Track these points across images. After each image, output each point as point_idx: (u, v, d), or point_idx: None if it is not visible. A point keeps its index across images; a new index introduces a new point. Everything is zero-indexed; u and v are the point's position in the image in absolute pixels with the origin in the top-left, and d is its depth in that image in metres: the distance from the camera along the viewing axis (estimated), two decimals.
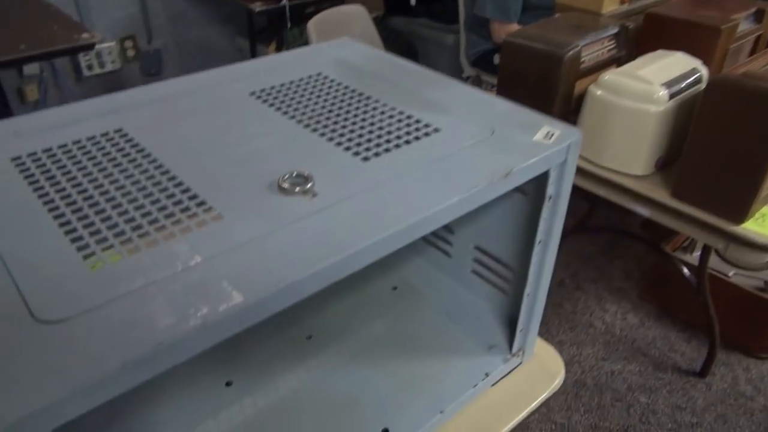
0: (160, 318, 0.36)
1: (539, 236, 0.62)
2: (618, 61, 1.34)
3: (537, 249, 0.64)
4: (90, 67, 2.42)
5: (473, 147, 0.55)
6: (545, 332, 1.77)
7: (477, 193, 0.50)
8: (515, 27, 2.00)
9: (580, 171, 1.22)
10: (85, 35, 1.71)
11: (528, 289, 0.67)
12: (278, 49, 2.43)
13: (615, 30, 1.32)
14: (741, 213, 1.02)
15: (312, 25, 1.86)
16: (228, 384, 0.67)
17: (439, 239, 0.81)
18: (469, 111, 0.62)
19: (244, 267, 0.40)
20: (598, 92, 1.16)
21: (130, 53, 2.52)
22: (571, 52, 1.19)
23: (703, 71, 1.20)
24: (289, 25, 2.13)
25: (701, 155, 1.04)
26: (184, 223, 0.44)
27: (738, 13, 1.34)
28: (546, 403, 1.56)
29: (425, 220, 0.47)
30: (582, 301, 1.90)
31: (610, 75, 1.15)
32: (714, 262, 1.69)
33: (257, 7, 2.08)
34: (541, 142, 0.56)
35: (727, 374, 1.65)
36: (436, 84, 0.69)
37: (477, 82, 2.36)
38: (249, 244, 0.42)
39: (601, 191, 1.21)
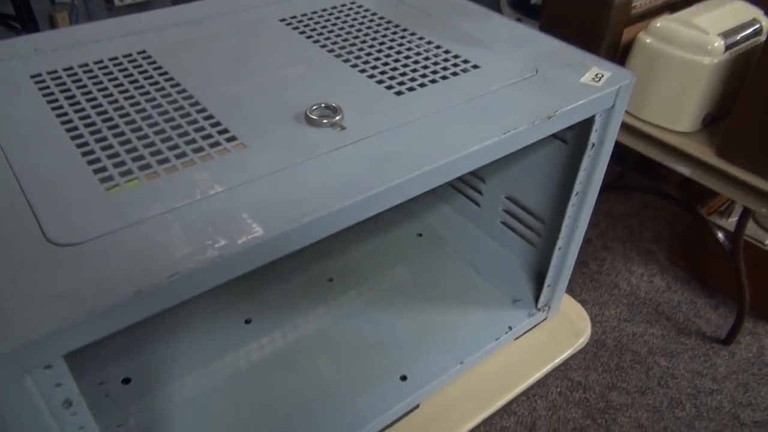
0: (177, 247, 0.34)
1: (577, 188, 0.59)
2: (672, 7, 1.25)
3: (573, 201, 0.60)
4: None
5: (514, 86, 0.51)
6: (568, 290, 1.74)
7: (516, 135, 0.46)
8: None
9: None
10: None
11: (560, 243, 0.64)
12: None
13: None
14: None
15: None
16: (247, 321, 0.66)
17: (468, 187, 0.78)
18: (511, 47, 0.58)
19: (266, 200, 0.38)
20: (648, 40, 1.09)
21: None
22: None
23: (765, 22, 1.11)
24: None
25: (753, 113, 0.97)
26: (206, 150, 0.42)
27: None
28: (565, 362, 1.55)
29: (459, 161, 0.44)
30: (608, 261, 1.86)
31: (663, 22, 1.08)
32: (750, 228, 1.62)
33: None
34: (589, 84, 0.52)
35: (753, 344, 1.61)
36: (476, 17, 0.64)
37: None
38: (272, 175, 0.40)
39: (640, 147, 1.15)
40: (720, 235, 1.54)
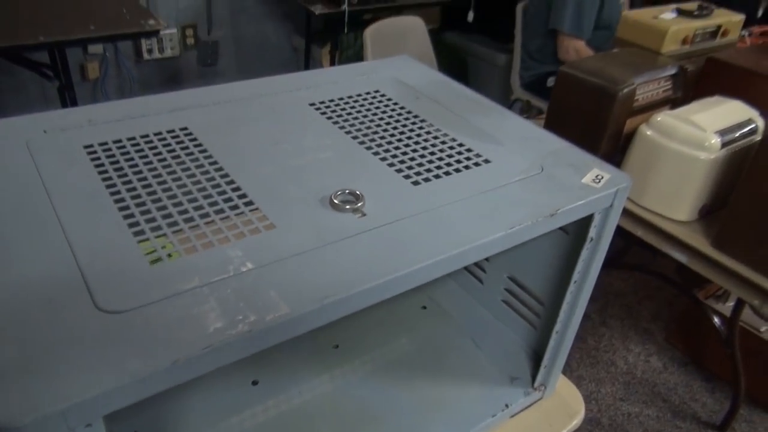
0: (211, 320, 0.38)
1: (575, 276, 0.63)
2: (673, 102, 1.33)
3: (572, 288, 0.64)
4: (150, 51, 2.49)
5: (521, 182, 0.56)
6: (565, 365, 1.75)
7: (521, 230, 0.51)
8: (583, 44, 1.99)
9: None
10: (151, 22, 1.78)
11: (557, 327, 0.67)
12: (332, 52, 2.47)
13: (673, 71, 1.31)
14: None
15: (368, 33, 1.89)
16: (254, 383, 0.69)
17: (473, 264, 0.82)
18: (520, 145, 0.63)
19: (292, 279, 0.42)
20: (649, 132, 1.15)
21: (190, 41, 2.59)
22: (625, 90, 1.18)
23: (759, 122, 1.18)
24: (346, 30, 2.17)
25: (748, 208, 1.02)
26: (239, 228, 0.46)
27: None
28: None
29: (469, 251, 0.48)
30: (606, 337, 1.87)
31: (663, 116, 1.14)
32: (746, 315, 1.65)
33: (318, 9, 2.12)
34: (589, 185, 0.57)
35: None
36: (490, 113, 0.70)
37: (526, 107, 2.35)
38: (298, 256, 0.44)
39: (639, 232, 1.19)
40: (716, 320, 1.56)
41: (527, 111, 2.31)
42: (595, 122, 1.23)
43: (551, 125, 1.35)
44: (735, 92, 1.25)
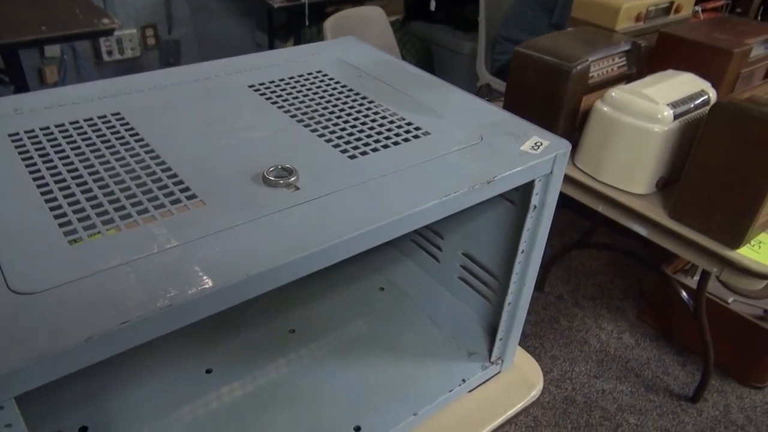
0: (129, 297, 0.37)
1: (522, 246, 0.63)
2: (628, 78, 1.34)
3: (520, 258, 0.64)
4: (110, 53, 2.45)
5: (460, 152, 0.56)
6: (539, 346, 1.76)
7: (457, 198, 0.50)
8: None
9: (581, 186, 1.22)
10: (105, 21, 1.74)
11: (509, 299, 0.67)
12: (296, 44, 2.45)
13: (627, 47, 1.32)
14: (737, 238, 1.01)
15: (328, 24, 1.88)
16: (208, 371, 0.68)
17: (428, 243, 0.82)
18: (461, 117, 0.63)
19: (218, 254, 0.41)
20: (604, 108, 1.16)
21: (151, 41, 2.55)
22: (579, 67, 1.19)
23: (711, 94, 1.19)
24: (307, 22, 2.15)
25: (701, 178, 1.03)
26: (167, 207, 0.45)
27: (753, 37, 1.33)
28: (534, 418, 1.55)
29: (402, 220, 0.47)
30: (579, 317, 1.89)
31: (617, 91, 1.15)
32: (714, 287, 1.68)
33: (277, 2, 2.11)
34: (528, 152, 0.57)
35: (720, 401, 1.63)
36: (432, 88, 0.69)
37: (487, 90, 2.36)
38: (225, 231, 0.43)
39: (600, 207, 1.20)
40: (684, 293, 1.58)
41: (488, 94, 2.31)
42: (552, 100, 1.23)
43: (510, 105, 1.35)
44: (688, 66, 1.27)
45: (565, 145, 0.58)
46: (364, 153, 0.55)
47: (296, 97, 0.65)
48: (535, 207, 0.60)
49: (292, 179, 0.49)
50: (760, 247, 1.03)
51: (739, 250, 1.02)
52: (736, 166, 0.98)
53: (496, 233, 0.70)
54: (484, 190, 0.52)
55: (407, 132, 0.59)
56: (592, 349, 1.77)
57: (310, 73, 0.71)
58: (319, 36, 2.44)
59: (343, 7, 2.30)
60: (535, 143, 0.59)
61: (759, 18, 2.04)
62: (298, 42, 2.43)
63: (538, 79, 1.24)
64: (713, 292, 1.66)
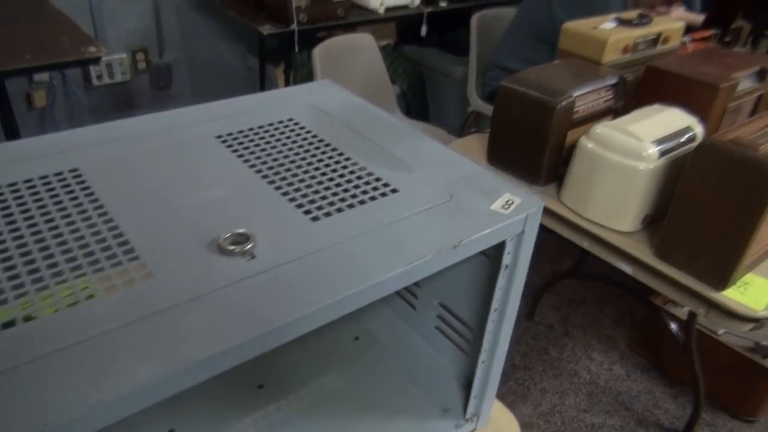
0: (54, 396, 0.34)
1: (494, 304, 0.61)
2: (615, 112, 1.33)
3: (493, 317, 0.62)
4: (100, 77, 2.44)
5: (428, 212, 0.54)
6: (528, 378, 1.74)
7: (421, 265, 0.48)
8: None
9: (566, 222, 1.20)
10: (92, 49, 1.73)
11: (483, 356, 0.65)
12: (287, 70, 2.44)
13: (613, 81, 1.32)
14: (722, 280, 0.99)
15: (317, 52, 1.87)
16: None
17: (405, 290, 0.80)
18: (432, 171, 0.61)
19: (161, 337, 0.39)
20: (588, 145, 1.15)
21: (141, 66, 2.55)
22: (564, 102, 1.18)
23: (698, 129, 1.18)
24: (297, 49, 2.15)
25: (686, 218, 1.02)
26: (112, 281, 0.43)
27: (740, 71, 1.33)
28: None
29: (362, 292, 0.46)
30: (569, 347, 1.86)
31: (602, 128, 1.14)
32: (704, 318, 1.65)
33: (266, 30, 2.10)
34: (498, 212, 0.55)
35: None
36: (405, 138, 0.68)
37: (475, 122, 2.35)
38: (171, 310, 0.41)
39: (586, 244, 1.19)
40: (673, 325, 1.56)
41: (476, 124, 2.31)
42: (537, 135, 1.22)
43: (495, 138, 1.34)
44: (675, 100, 1.26)
45: (536, 204, 0.57)
46: (327, 214, 0.53)
47: (264, 149, 0.63)
48: (506, 266, 0.58)
49: (249, 246, 0.47)
50: (746, 289, 1.01)
51: (724, 292, 1.00)
52: (720, 207, 0.96)
53: (471, 286, 0.68)
54: (450, 255, 0.50)
55: (375, 189, 0.57)
56: (582, 381, 1.75)
57: (281, 122, 0.69)
58: (310, 61, 2.44)
59: (335, 32, 2.30)
60: (507, 201, 0.57)
61: (749, 45, 2.04)
62: (289, 67, 2.43)
63: (523, 113, 1.23)
64: (703, 324, 1.64)
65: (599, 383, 1.74)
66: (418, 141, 0.68)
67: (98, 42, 1.76)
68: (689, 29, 2.05)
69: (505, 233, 0.55)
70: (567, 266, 1.93)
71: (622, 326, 1.96)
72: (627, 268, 1.13)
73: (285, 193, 0.56)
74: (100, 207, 0.52)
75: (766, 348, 1.67)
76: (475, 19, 2.37)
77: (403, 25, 2.92)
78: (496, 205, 0.56)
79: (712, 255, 1.00)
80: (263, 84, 2.64)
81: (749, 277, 1.04)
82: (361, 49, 2.04)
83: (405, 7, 2.48)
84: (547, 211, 1.23)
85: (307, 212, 0.53)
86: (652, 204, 1.13)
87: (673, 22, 1.56)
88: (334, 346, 0.78)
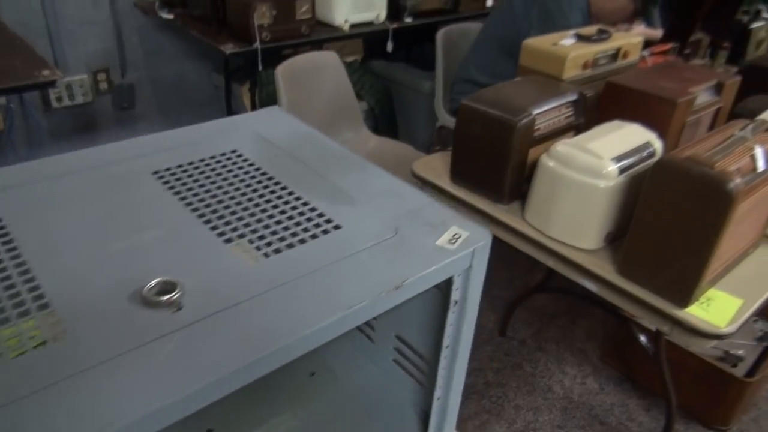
0: None
1: (446, 341, 0.59)
2: (576, 128, 1.33)
3: (445, 353, 0.60)
4: (59, 99, 2.38)
5: (370, 250, 0.52)
6: (502, 395, 1.72)
7: (360, 310, 0.46)
8: None
9: (530, 241, 1.19)
10: (45, 72, 1.69)
11: (438, 393, 0.63)
12: (252, 89, 2.41)
13: (573, 97, 1.31)
14: (685, 297, 0.99)
15: (280, 71, 1.85)
16: None
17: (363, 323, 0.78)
18: (378, 204, 0.59)
19: (72, 405, 0.36)
20: (549, 163, 1.14)
21: (103, 86, 2.49)
22: (524, 120, 1.17)
23: (657, 145, 1.18)
24: (261, 67, 2.12)
25: (646, 235, 1.01)
26: (22, 345, 0.40)
27: (697, 85, 1.34)
28: None
29: (298, 342, 0.43)
30: (542, 362, 1.85)
31: (562, 146, 1.14)
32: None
33: (229, 49, 2.07)
34: (444, 247, 0.53)
35: None
36: (353, 169, 0.66)
37: (439, 139, 2.35)
38: (85, 373, 0.38)
39: (550, 262, 1.18)
40: (642, 337, 1.56)
41: (440, 142, 2.30)
42: (498, 154, 1.21)
43: (458, 157, 1.33)
44: (634, 114, 1.26)
45: (484, 237, 0.55)
46: (266, 255, 0.51)
47: (203, 185, 0.60)
48: (456, 302, 0.56)
49: (176, 296, 0.45)
50: (709, 305, 1.01)
51: (687, 309, 1.00)
52: (679, 224, 0.96)
53: (425, 319, 0.66)
54: (392, 297, 0.48)
55: (317, 226, 0.55)
56: (555, 397, 1.73)
57: (223, 154, 0.67)
58: (275, 79, 2.42)
59: (301, 50, 2.28)
60: (454, 235, 0.55)
61: (707, 57, 2.08)
62: (254, 85, 2.40)
63: (484, 132, 1.22)
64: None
65: (573, 398, 1.73)
66: (365, 172, 0.65)
67: (55, 64, 1.72)
68: (649, 43, 2.08)
69: (452, 269, 0.53)
70: (539, 280, 1.92)
71: (595, 339, 1.96)
72: (592, 286, 1.13)
73: (221, 234, 0.53)
74: (18, 256, 0.48)
75: (735, 357, 1.68)
76: (440, 35, 2.37)
77: (370, 40, 2.92)
78: (443, 240, 0.54)
79: (673, 272, 0.99)
80: (229, 102, 2.61)
81: (712, 292, 1.04)
82: (326, 66, 2.02)
83: (370, 23, 2.47)
84: (512, 230, 1.22)
85: (247, 252, 0.51)
86: (614, 221, 1.13)
87: (631, 37, 1.57)
88: (289, 384, 0.75)
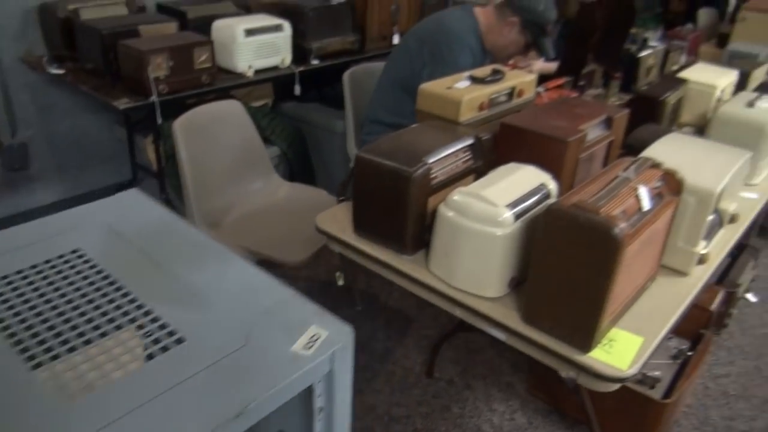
0: None
1: None
2: (476, 171, 1.33)
3: None
4: None
5: (212, 369, 0.46)
6: None
7: None
8: None
9: (435, 292, 1.17)
10: None
11: None
12: (156, 141, 2.31)
13: (469, 141, 1.31)
14: (586, 343, 0.98)
15: (178, 126, 1.77)
16: None
17: None
18: (230, 306, 0.54)
19: None
20: (447, 213, 1.12)
21: None
22: (420, 170, 1.16)
23: (552, 186, 1.19)
24: (160, 121, 2.03)
25: (544, 281, 1.01)
26: None
27: (588, 121, 1.37)
28: None
29: None
30: (470, 401, 1.83)
31: (458, 195, 1.12)
32: None
33: (123, 104, 1.98)
34: (300, 354, 0.49)
35: None
36: (210, 261, 0.60)
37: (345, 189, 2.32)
38: None
39: (458, 312, 1.15)
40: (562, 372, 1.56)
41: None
42: (397, 205, 1.19)
43: (359, 209, 1.30)
44: (529, 154, 1.27)
45: (345, 337, 0.51)
46: (89, 388, 0.44)
47: (28, 300, 0.53)
48: (321, 409, 0.52)
49: None
50: (611, 347, 1.01)
51: (590, 354, 0.99)
52: (573, 270, 0.96)
53: (302, 417, 0.61)
54: (233, 426, 0.43)
55: (156, 342, 0.49)
56: None
57: (61, 256, 0.60)
58: None
59: (208, 97, 2.21)
60: (311, 337, 0.50)
61: (601, 88, 2.16)
62: (158, 138, 2.30)
63: (381, 183, 1.20)
64: None
65: None
66: (224, 263, 0.60)
67: None
68: (545, 78, 2.15)
69: (310, 377, 0.48)
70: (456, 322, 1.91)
71: (521, 370, 1.96)
72: (500, 335, 1.11)
73: (36, 365, 0.46)
74: None
75: (652, 378, 1.71)
76: (347, 76, 2.36)
77: (280, 83, 2.88)
78: (299, 344, 0.50)
79: (573, 318, 0.99)
80: (134, 155, 2.49)
81: (614, 332, 1.04)
82: (228, 116, 1.96)
83: (275, 68, 2.43)
84: (418, 282, 1.19)
85: (62, 387, 0.44)
86: (516, 267, 1.12)
87: (524, 76, 1.60)
88: None
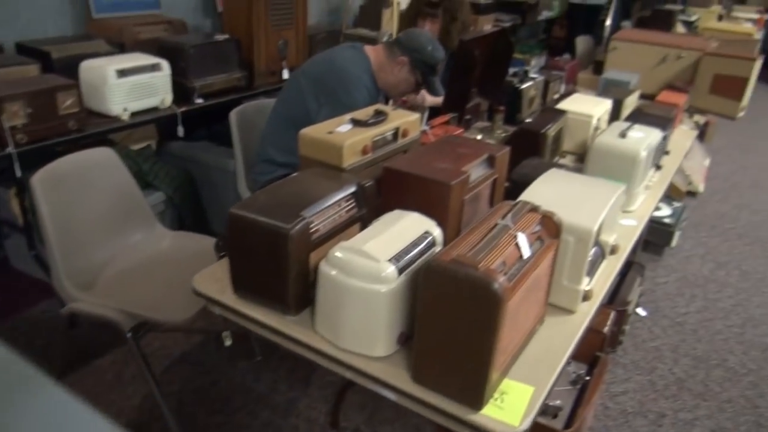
0: None
1: None
2: (361, 219, 1.28)
3: None
4: None
5: None
6: None
7: None
8: None
9: (323, 354, 1.10)
10: None
11: None
12: (19, 194, 2.09)
13: (352, 189, 1.26)
14: (476, 400, 0.95)
15: (36, 181, 1.59)
16: None
17: None
18: None
19: None
20: (330, 272, 1.06)
21: None
22: (298, 227, 1.09)
23: (437, 233, 1.17)
24: (19, 173, 1.84)
25: (430, 338, 0.97)
26: None
27: (470, 161, 1.36)
28: None
29: None
30: None
31: (340, 251, 1.06)
32: None
33: None
34: None
35: None
36: (26, 399, 0.50)
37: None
38: None
39: (348, 374, 1.09)
40: None
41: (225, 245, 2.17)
42: (277, 264, 1.11)
43: (236, 268, 1.21)
44: (414, 199, 1.24)
45: None
46: None
47: None
48: None
49: None
50: (503, 400, 0.98)
51: (483, 411, 0.96)
52: (457, 325, 0.92)
53: None
54: None
55: None
56: None
57: None
58: None
59: (79, 144, 2.03)
60: None
61: (488, 119, 2.21)
62: (22, 191, 2.08)
63: (258, 241, 1.12)
64: None
65: None
66: (40, 401, 0.50)
67: None
68: (437, 110, 2.16)
69: None
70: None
71: None
72: (391, 396, 1.05)
73: None
74: None
75: (554, 408, 1.72)
76: (233, 115, 2.27)
77: (163, 123, 2.73)
78: None
79: (461, 376, 0.95)
80: None
81: (505, 384, 1.02)
82: (98, 165, 1.80)
83: (155, 109, 2.29)
84: (303, 345, 1.12)
85: None
86: (403, 323, 1.07)
87: (408, 115, 1.58)
88: None
